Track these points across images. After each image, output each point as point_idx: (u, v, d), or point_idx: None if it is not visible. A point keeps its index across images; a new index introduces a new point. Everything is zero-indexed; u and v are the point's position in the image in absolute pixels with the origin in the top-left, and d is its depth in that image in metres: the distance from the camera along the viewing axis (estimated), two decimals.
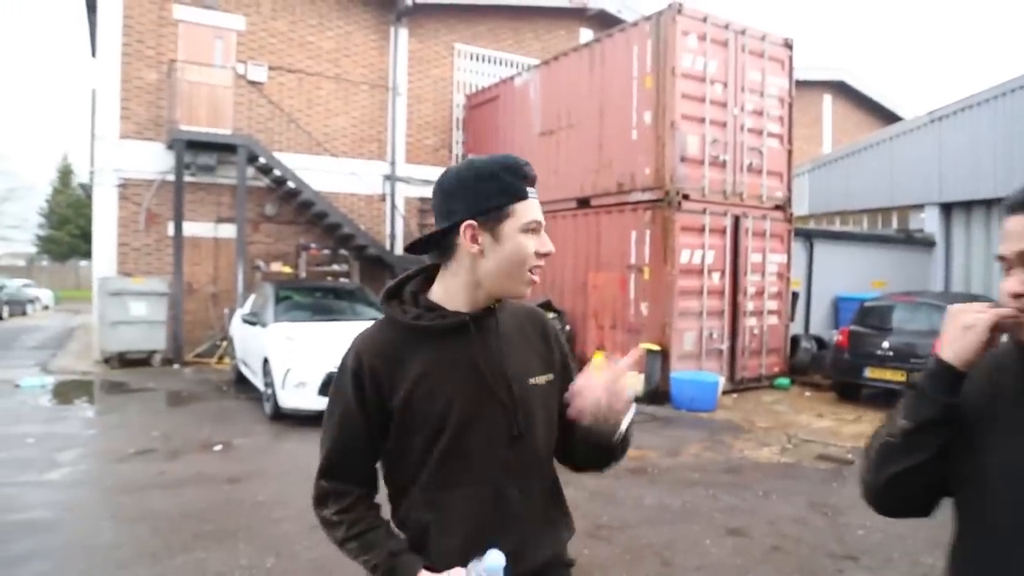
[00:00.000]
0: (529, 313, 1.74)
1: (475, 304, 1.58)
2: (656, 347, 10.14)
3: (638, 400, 9.87)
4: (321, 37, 14.85)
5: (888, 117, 23.88)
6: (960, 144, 15.68)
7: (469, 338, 1.56)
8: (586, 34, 17.24)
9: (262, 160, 13.31)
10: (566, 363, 1.73)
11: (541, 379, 1.63)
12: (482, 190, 1.52)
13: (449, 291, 1.59)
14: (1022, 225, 1.24)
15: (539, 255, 1.56)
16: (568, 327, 11.78)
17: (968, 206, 16.15)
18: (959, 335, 1.25)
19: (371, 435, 1.54)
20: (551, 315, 11.74)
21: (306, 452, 7.15)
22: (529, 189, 1.56)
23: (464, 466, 1.52)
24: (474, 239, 1.52)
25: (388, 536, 1.54)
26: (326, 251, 14.50)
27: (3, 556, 4.51)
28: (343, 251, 14.57)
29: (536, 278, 1.58)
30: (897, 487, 1.32)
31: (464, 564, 1.43)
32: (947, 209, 16.55)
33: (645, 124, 10.66)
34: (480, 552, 1.42)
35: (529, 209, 1.55)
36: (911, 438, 1.28)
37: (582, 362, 7.39)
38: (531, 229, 1.55)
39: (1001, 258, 1.28)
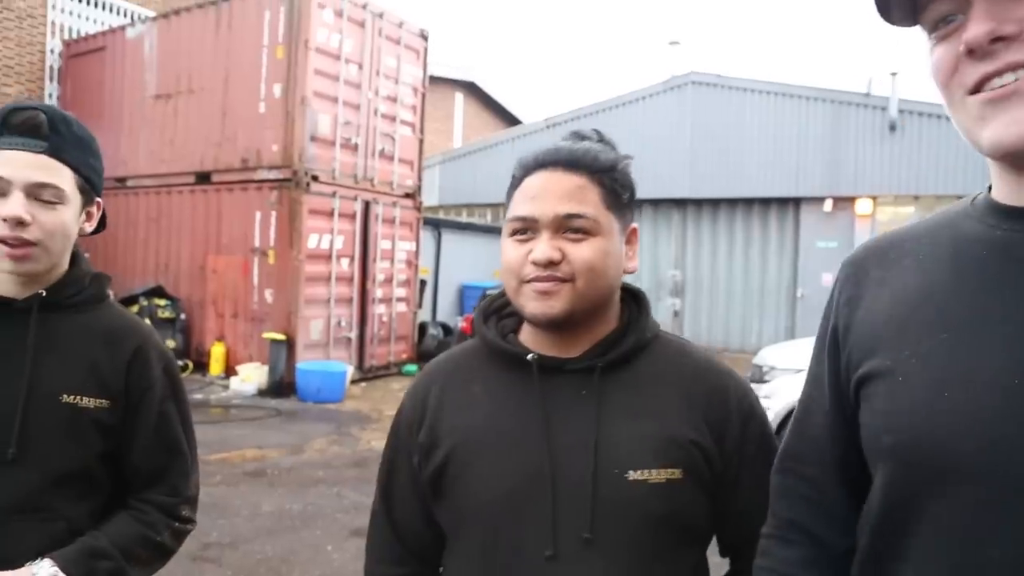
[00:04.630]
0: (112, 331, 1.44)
1: (4, 284, 1.36)
2: (281, 336, 9.66)
3: (261, 394, 9.45)
4: None
5: (512, 120, 26.03)
6: None
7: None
8: None
9: None
10: (140, 395, 1.43)
11: (85, 400, 1.36)
12: None
13: None
14: (565, 183, 1.10)
15: (7, 220, 1.27)
16: (184, 316, 10.71)
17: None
18: None
19: None
20: (164, 302, 10.60)
21: None
22: (8, 138, 1.28)
23: None
24: None
25: None
26: None
27: None
28: None
29: (11, 252, 1.29)
30: None
31: None
32: None
33: (274, 97, 10.05)
34: None
35: None
36: None
37: (200, 355, 6.54)
38: None
39: (523, 219, 1.11)
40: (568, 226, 1.09)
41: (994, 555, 0.74)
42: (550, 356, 1.13)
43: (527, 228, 1.10)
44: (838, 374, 0.95)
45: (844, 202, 15.12)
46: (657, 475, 1.06)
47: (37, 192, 1.28)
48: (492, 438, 1.12)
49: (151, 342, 1.46)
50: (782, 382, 5.99)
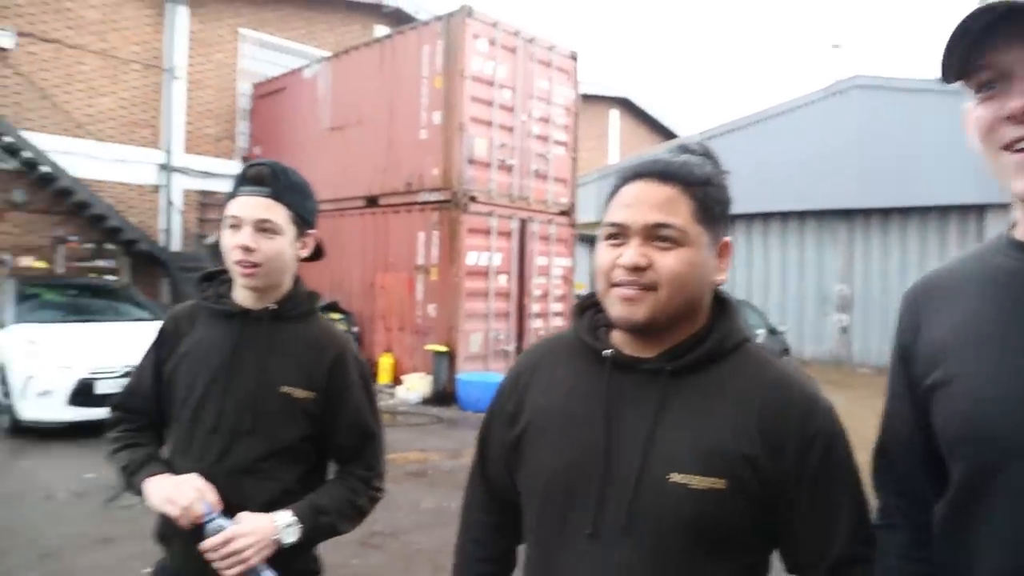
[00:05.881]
0: (318, 336, 1.80)
1: (245, 298, 1.75)
2: (443, 349, 10.14)
3: (425, 402, 9.95)
4: (83, 5, 13.32)
5: (668, 135, 25.78)
6: (726, 162, 17.23)
7: (234, 328, 1.72)
8: (381, 30, 16.93)
9: (7, 139, 11.74)
10: (339, 392, 1.77)
11: (297, 392, 1.69)
12: None
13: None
14: (658, 194, 1.16)
15: (239, 248, 1.66)
16: (356, 329, 11.48)
17: (732, 219, 17.68)
18: None
19: (156, 384, 1.78)
20: (338, 317, 11.42)
21: (47, 469, 6.33)
22: (243, 187, 1.69)
23: (192, 433, 1.70)
24: None
25: (149, 451, 1.74)
26: (89, 245, 13.06)
27: None
28: (109, 245, 13.22)
29: (242, 271, 1.67)
30: None
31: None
32: None
33: (434, 124, 10.64)
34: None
35: (232, 206, 1.69)
36: None
37: (370, 365, 6.98)
38: (229, 224, 1.69)
39: (616, 225, 1.17)
40: (657, 235, 1.14)
41: None
42: (627, 355, 1.20)
43: (619, 234, 1.17)
44: (910, 386, 1.16)
45: None
46: (699, 482, 1.10)
47: (261, 226, 1.67)
48: (560, 420, 1.22)
49: (349, 350, 1.81)
50: None
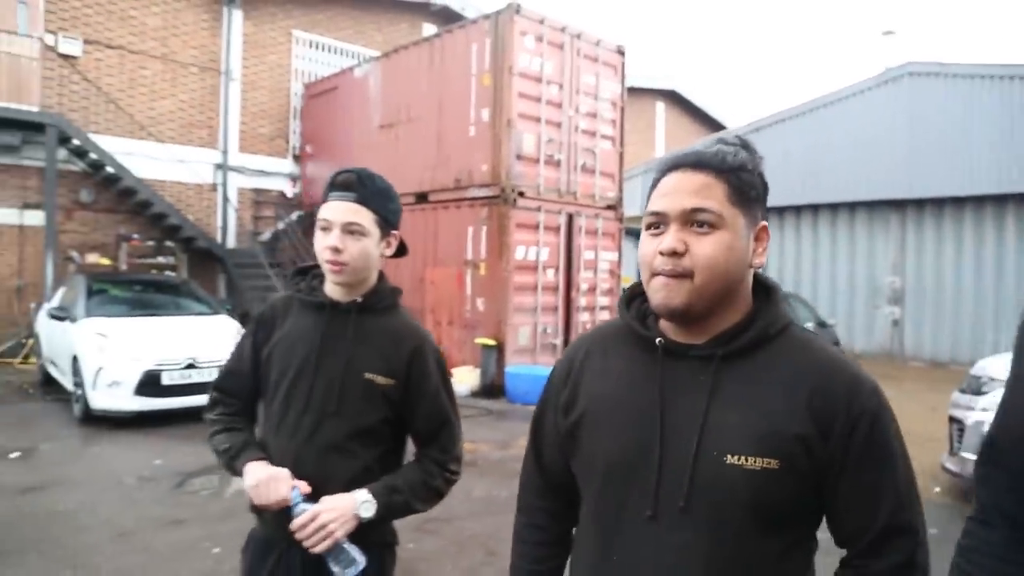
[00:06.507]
0: (403, 333, 1.92)
1: (334, 291, 1.89)
2: (492, 342, 10.28)
3: (474, 395, 10.11)
4: (146, 12, 13.87)
5: (715, 126, 25.55)
6: (774, 153, 17.06)
7: (324, 318, 1.86)
8: (429, 29, 17.15)
9: (76, 142, 12.27)
10: (418, 382, 1.89)
11: (379, 379, 1.83)
12: None
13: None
14: (693, 182, 1.21)
15: (328, 249, 1.80)
16: None
17: (781, 211, 17.56)
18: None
19: (254, 366, 1.93)
20: None
21: (118, 456, 6.66)
22: (333, 193, 1.83)
23: (285, 413, 1.85)
24: None
25: (246, 437, 1.90)
26: (150, 242, 13.57)
27: None
28: (169, 243, 13.71)
29: (332, 268, 1.82)
30: None
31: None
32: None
33: (483, 121, 10.77)
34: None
35: (323, 210, 1.83)
36: None
37: None
38: (321, 227, 1.83)
39: (656, 214, 1.23)
40: (694, 219, 1.19)
41: None
42: (676, 341, 1.25)
43: (659, 222, 1.22)
44: None
45: None
46: (753, 462, 1.14)
47: (348, 228, 1.81)
48: (616, 408, 1.27)
49: (427, 342, 1.94)
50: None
